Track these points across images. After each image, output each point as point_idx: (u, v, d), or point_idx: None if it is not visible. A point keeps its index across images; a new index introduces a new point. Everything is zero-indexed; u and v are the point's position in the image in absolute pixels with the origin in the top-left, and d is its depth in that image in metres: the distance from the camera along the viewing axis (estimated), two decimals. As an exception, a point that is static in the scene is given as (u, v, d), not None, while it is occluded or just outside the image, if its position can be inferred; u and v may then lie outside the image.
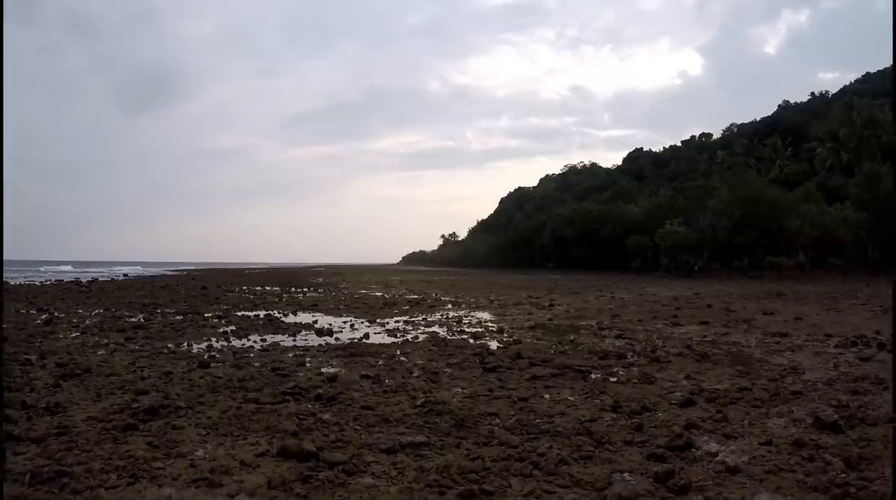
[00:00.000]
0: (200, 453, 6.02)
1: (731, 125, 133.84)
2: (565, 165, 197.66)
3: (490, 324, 18.88)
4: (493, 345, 14.06)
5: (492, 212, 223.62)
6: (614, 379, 9.91)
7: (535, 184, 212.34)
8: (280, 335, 15.92)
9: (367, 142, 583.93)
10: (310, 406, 7.85)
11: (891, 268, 51.10)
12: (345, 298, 32.88)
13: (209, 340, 14.76)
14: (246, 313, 22.53)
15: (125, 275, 77.17)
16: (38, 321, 18.37)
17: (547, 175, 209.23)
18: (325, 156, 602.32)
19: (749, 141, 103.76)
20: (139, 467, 5.55)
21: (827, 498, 5.00)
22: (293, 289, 42.42)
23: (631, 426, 6.89)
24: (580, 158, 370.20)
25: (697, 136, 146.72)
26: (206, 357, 11.78)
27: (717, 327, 17.10)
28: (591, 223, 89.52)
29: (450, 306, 27.34)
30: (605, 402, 8.12)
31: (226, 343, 14.34)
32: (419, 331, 17.03)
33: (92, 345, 13.50)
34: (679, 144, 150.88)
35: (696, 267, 69.26)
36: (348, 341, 14.55)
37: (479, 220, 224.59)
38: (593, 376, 10.17)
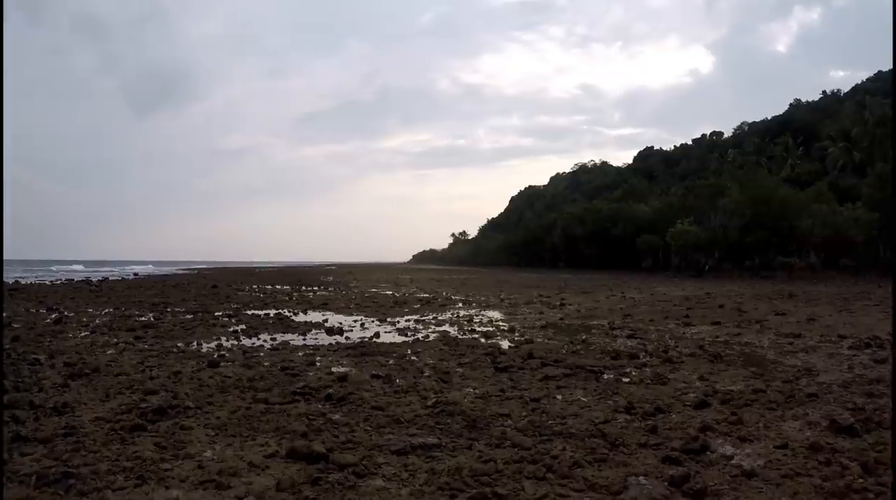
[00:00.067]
0: (209, 454, 5.95)
1: (742, 124, 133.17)
2: (576, 164, 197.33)
3: (501, 323, 18.79)
4: (505, 345, 13.98)
5: (502, 210, 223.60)
6: (627, 380, 9.82)
7: (546, 182, 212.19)
8: (290, 334, 15.88)
9: (377, 141, 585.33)
10: (320, 406, 7.79)
11: (903, 269, 50.78)
12: (355, 296, 32.86)
13: (219, 339, 14.72)
14: (256, 312, 22.51)
15: (135, 274, 77.21)
16: (48, 321, 18.34)
17: (557, 174, 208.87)
18: (336, 155, 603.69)
19: (760, 140, 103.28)
20: (147, 468, 5.48)
21: (845, 504, 4.92)
22: (303, 288, 42.42)
23: (645, 428, 6.80)
24: (590, 156, 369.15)
25: (708, 134, 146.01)
26: (215, 357, 11.73)
27: (730, 327, 16.99)
28: (601, 222, 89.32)
29: (460, 305, 27.28)
30: (618, 403, 8.03)
31: (236, 342, 14.28)
32: (430, 330, 16.97)
33: (101, 344, 13.47)
34: (690, 142, 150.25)
35: (706, 267, 69.01)
36: (359, 341, 14.49)
37: (490, 218, 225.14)
38: (606, 376, 10.08)
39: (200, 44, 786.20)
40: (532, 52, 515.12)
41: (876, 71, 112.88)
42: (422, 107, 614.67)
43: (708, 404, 7.92)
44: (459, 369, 10.65)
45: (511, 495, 5.04)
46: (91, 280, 52.27)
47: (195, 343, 13.90)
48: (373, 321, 19.51)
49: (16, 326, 16.62)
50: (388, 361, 11.54)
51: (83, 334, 15.45)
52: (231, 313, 21.77)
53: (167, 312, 22.08)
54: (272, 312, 22.30)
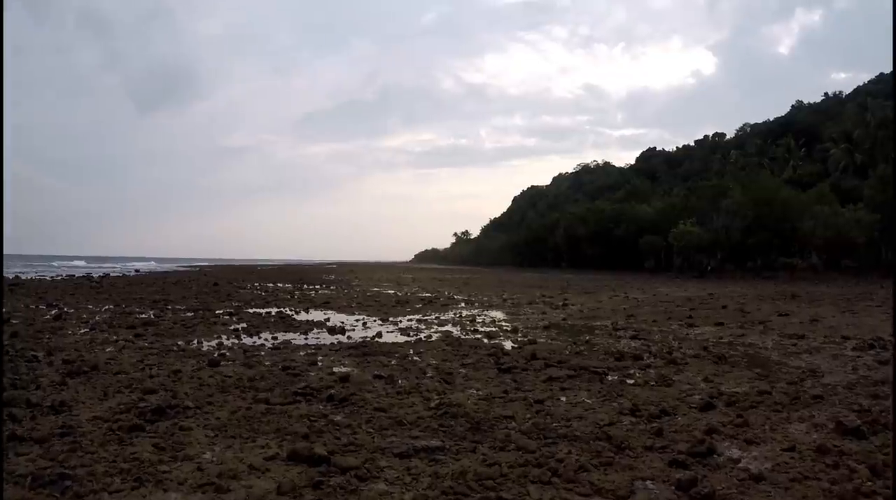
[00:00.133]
0: (208, 455, 5.86)
1: (744, 125, 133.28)
2: (578, 164, 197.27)
3: (504, 323, 18.73)
4: (508, 345, 13.88)
5: (505, 210, 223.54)
6: (631, 381, 9.74)
7: (549, 183, 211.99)
8: (292, 333, 15.81)
9: (380, 140, 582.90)
10: (321, 407, 7.70)
11: (905, 270, 50.79)
12: (357, 295, 32.81)
13: (219, 337, 14.64)
14: (257, 310, 22.45)
15: (137, 271, 77.42)
16: (48, 317, 18.29)
17: (560, 174, 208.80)
18: (339, 153, 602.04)
19: (762, 141, 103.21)
20: (144, 470, 5.40)
21: (854, 508, 4.84)
22: (305, 286, 42.41)
23: (651, 431, 6.72)
24: (593, 156, 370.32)
25: (711, 135, 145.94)
26: (216, 355, 11.64)
27: (733, 328, 16.92)
28: (604, 223, 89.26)
29: (463, 304, 27.24)
30: (623, 405, 7.94)
31: (236, 341, 14.19)
32: (432, 330, 16.89)
33: (100, 342, 13.40)
34: (692, 143, 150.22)
35: (709, 267, 69.00)
36: (361, 340, 14.41)
37: (492, 218, 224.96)
38: (610, 377, 10.02)
39: (205, 42, 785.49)
40: (535, 53, 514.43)
41: (878, 73, 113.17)
42: (424, 106, 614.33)
43: (713, 407, 7.86)
44: (462, 370, 10.57)
45: (516, 499, 4.95)
46: (92, 276, 52.27)
47: (195, 341, 13.82)
48: (375, 321, 19.43)
49: (15, 322, 16.57)
50: (390, 361, 11.46)
51: (83, 330, 15.37)
52: (232, 311, 21.69)
53: (168, 309, 22.02)
54: (273, 310, 22.22)
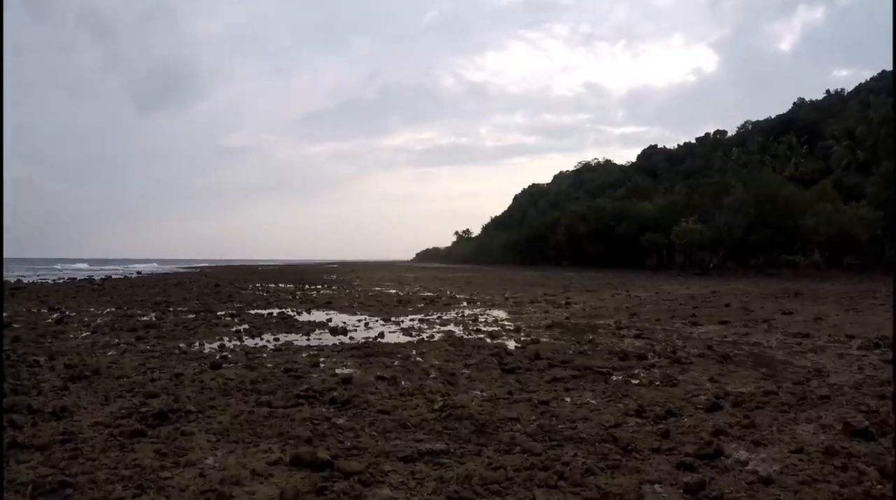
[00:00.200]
0: (210, 461, 5.81)
1: (745, 122, 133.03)
2: (579, 162, 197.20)
3: (506, 323, 18.67)
4: (511, 345, 13.82)
5: (506, 209, 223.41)
6: (636, 381, 9.68)
7: (549, 181, 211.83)
8: (294, 334, 15.75)
9: (381, 139, 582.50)
10: (324, 410, 7.66)
11: (908, 267, 50.68)
12: (359, 295, 32.74)
13: (221, 339, 14.58)
14: (259, 311, 22.39)
15: (138, 273, 77.31)
16: (49, 320, 18.24)
17: (561, 172, 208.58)
18: (339, 153, 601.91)
19: (764, 138, 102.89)
20: (146, 477, 5.35)
21: (864, 511, 4.79)
22: (307, 286, 42.37)
23: (657, 433, 6.66)
24: (594, 154, 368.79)
25: (712, 133, 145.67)
26: (217, 358, 11.59)
27: (737, 326, 16.86)
28: (605, 220, 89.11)
29: (465, 304, 27.16)
30: (628, 406, 7.89)
31: (238, 343, 14.15)
32: (435, 330, 16.83)
33: (102, 345, 13.34)
34: (693, 141, 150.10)
35: (711, 265, 68.94)
36: (363, 341, 14.36)
37: (493, 216, 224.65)
38: (614, 377, 9.96)
39: (205, 42, 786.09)
40: (536, 51, 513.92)
41: (880, 70, 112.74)
42: (425, 105, 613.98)
43: (720, 407, 7.80)
44: (466, 371, 10.51)
45: (522, 504, 4.91)
46: (94, 279, 52.20)
47: (197, 344, 13.75)
48: (377, 321, 19.38)
49: (16, 326, 16.53)
50: (392, 362, 11.41)
51: (84, 334, 15.33)
52: (234, 312, 21.64)
53: (169, 311, 21.98)
54: (275, 311, 22.17)
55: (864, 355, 11.96)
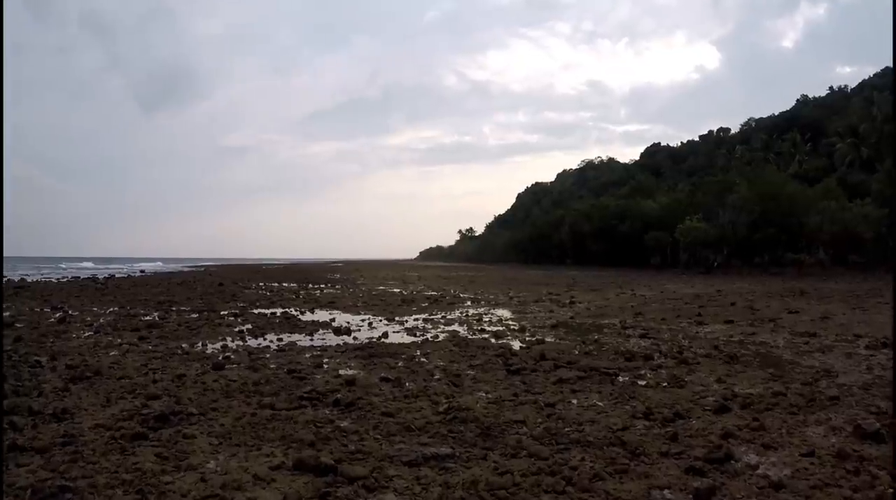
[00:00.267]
0: (212, 465, 5.73)
1: (749, 120, 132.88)
2: (582, 160, 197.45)
3: (511, 322, 18.57)
4: (516, 345, 13.74)
5: (509, 207, 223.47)
6: (643, 382, 9.59)
7: (553, 179, 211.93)
8: (297, 334, 15.68)
9: (383, 138, 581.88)
10: (327, 412, 7.58)
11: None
12: (362, 295, 32.70)
13: (224, 339, 14.52)
14: (262, 310, 22.34)
15: (142, 271, 77.35)
16: (52, 320, 18.18)
17: (564, 170, 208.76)
18: (343, 152, 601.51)
19: (768, 136, 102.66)
20: (147, 481, 5.27)
21: (878, 517, 4.71)
22: (310, 286, 42.28)
23: (665, 436, 6.57)
24: (597, 152, 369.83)
25: (715, 130, 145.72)
26: (220, 358, 11.52)
27: (743, 326, 16.77)
28: (609, 219, 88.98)
29: (469, 303, 27.09)
30: (636, 408, 7.79)
31: (241, 343, 14.07)
32: (439, 330, 16.76)
33: (104, 345, 13.28)
34: (697, 138, 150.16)
35: (715, 263, 68.87)
36: (367, 341, 14.30)
37: (497, 215, 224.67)
38: (621, 378, 9.87)
39: (206, 42, 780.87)
40: (538, 49, 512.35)
41: (883, 67, 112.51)
42: (427, 104, 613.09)
43: (728, 409, 7.71)
44: (471, 372, 10.42)
45: (530, 510, 4.82)
46: (97, 278, 52.20)
47: (200, 344, 13.69)
48: (381, 320, 19.31)
49: (19, 325, 16.50)
50: (397, 363, 11.33)
51: (87, 334, 15.26)
52: (237, 311, 21.59)
53: (172, 311, 21.93)
54: (279, 310, 22.11)
55: (871, 355, 11.85)
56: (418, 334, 15.94)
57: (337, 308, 23.98)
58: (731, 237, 65.66)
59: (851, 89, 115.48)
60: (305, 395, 8.33)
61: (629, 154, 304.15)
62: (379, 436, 6.59)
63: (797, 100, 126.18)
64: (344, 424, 7.04)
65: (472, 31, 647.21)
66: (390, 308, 23.75)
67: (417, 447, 6.14)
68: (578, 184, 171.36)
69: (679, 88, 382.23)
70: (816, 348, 12.81)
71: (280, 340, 14.61)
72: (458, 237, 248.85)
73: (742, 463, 5.80)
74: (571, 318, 19.64)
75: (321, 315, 20.95)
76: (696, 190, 79.17)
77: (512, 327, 17.34)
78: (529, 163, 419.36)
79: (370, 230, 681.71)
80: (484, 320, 19.45)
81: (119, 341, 13.94)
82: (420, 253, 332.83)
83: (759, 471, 5.61)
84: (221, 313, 21.13)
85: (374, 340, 14.56)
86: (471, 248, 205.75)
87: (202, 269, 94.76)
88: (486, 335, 15.48)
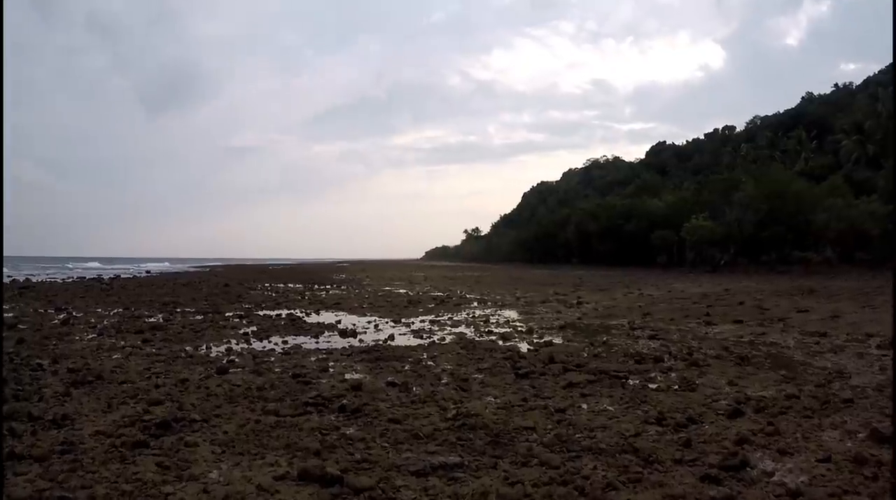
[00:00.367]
0: (214, 475, 5.59)
1: (754, 118, 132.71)
2: (588, 159, 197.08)
3: (518, 324, 18.46)
4: (524, 347, 13.57)
5: (514, 207, 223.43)
6: (654, 386, 9.45)
7: (558, 178, 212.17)
8: (302, 337, 15.56)
9: (389, 138, 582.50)
10: (333, 419, 7.43)
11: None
12: (368, 295, 32.61)
13: (229, 342, 14.41)
14: (268, 312, 22.23)
15: (148, 272, 77.36)
16: (55, 322, 18.11)
17: (570, 169, 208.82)
18: (348, 152, 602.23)
19: (773, 134, 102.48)
20: (147, 492, 5.15)
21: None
22: (316, 286, 42.22)
23: (679, 442, 6.42)
24: (602, 151, 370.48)
25: (720, 129, 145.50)
26: (224, 362, 11.37)
27: (753, 326, 16.64)
28: (615, 218, 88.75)
29: (475, 304, 27.00)
30: (648, 413, 7.64)
31: (246, 346, 13.95)
32: (445, 332, 16.62)
33: (107, 348, 13.19)
34: (702, 137, 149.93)
35: (722, 262, 68.61)
36: (373, 344, 14.16)
37: (502, 214, 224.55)
38: (631, 382, 9.72)
39: (212, 43, 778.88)
40: (543, 48, 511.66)
41: (887, 63, 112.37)
42: (433, 104, 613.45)
43: (742, 413, 7.56)
44: (478, 376, 10.28)
45: (542, 523, 4.68)
46: (103, 278, 52.15)
47: (204, 347, 13.57)
48: (387, 322, 19.19)
49: (22, 327, 16.46)
50: (403, 366, 11.20)
51: (90, 336, 15.16)
52: (242, 313, 21.49)
53: (177, 312, 21.86)
54: (284, 312, 22.00)
55: (884, 355, 11.71)
56: (425, 336, 15.81)
57: (343, 309, 23.87)
58: (738, 235, 65.43)
59: (856, 86, 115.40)
60: (311, 400, 8.19)
61: (634, 153, 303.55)
62: (386, 444, 6.45)
63: (802, 97, 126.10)
64: (350, 431, 6.90)
65: (476, 31, 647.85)
66: (396, 309, 23.64)
67: (425, 456, 6.00)
68: (584, 183, 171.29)
69: (683, 87, 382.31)
70: (828, 349, 12.69)
71: (285, 342, 14.47)
72: (463, 237, 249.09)
73: (758, 470, 5.67)
74: (579, 319, 19.51)
75: (327, 317, 20.81)
76: (702, 188, 78.93)
77: (519, 328, 17.22)
78: (535, 162, 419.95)
79: (376, 230, 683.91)
80: (491, 321, 19.32)
81: (122, 343, 13.86)
82: (426, 253, 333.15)
83: (776, 478, 5.48)
84: (226, 314, 21.02)
85: (381, 342, 14.43)
86: (477, 248, 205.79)
87: (208, 269, 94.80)
88: (494, 337, 15.34)
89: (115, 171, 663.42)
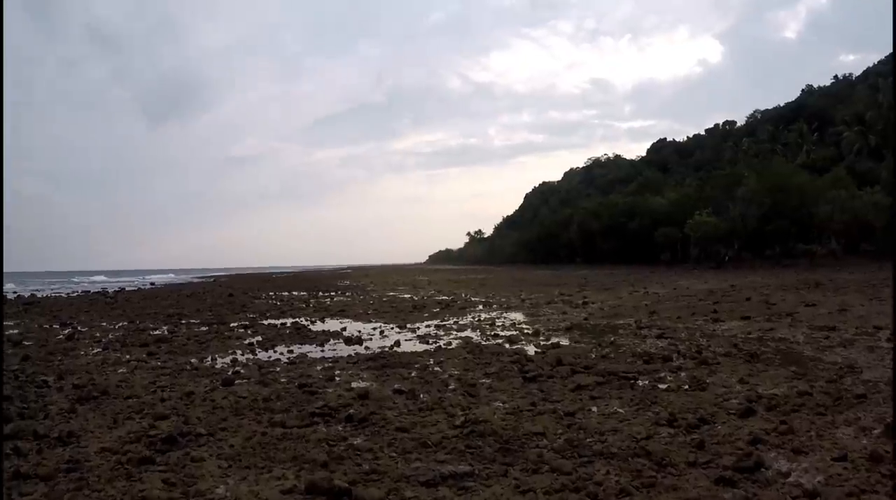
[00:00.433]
0: (221, 490, 5.51)
1: (754, 112, 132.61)
2: (589, 158, 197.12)
3: (524, 326, 18.35)
4: (531, 350, 13.49)
5: (517, 208, 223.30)
6: (664, 386, 9.35)
7: (560, 178, 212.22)
8: (308, 345, 15.48)
9: (390, 142, 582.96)
10: (340, 429, 7.35)
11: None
12: (373, 301, 32.53)
13: (234, 353, 14.32)
14: (272, 321, 22.15)
15: (152, 284, 77.33)
16: (60, 337, 18.07)
17: (571, 169, 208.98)
18: (350, 158, 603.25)
19: (774, 127, 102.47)
20: (153, 510, 5.04)
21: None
22: (320, 294, 42.08)
23: (691, 444, 6.33)
24: (602, 150, 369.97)
25: (721, 124, 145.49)
26: (230, 373, 11.30)
27: (760, 322, 16.52)
28: (617, 216, 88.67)
29: (480, 307, 26.88)
30: (659, 415, 7.53)
31: (251, 356, 13.89)
32: (451, 336, 16.52)
33: (112, 362, 13.13)
34: (703, 132, 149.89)
35: (726, 257, 68.49)
36: (378, 350, 14.06)
37: (505, 216, 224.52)
38: (640, 383, 9.62)
39: (212, 52, 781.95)
40: (541, 49, 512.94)
41: (887, 53, 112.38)
42: (433, 107, 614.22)
43: (754, 412, 7.46)
44: (486, 381, 10.18)
45: (556, 532, 4.59)
46: (107, 292, 52.09)
47: (209, 358, 13.49)
48: (392, 328, 19.09)
49: (27, 343, 16.44)
50: (410, 373, 11.09)
51: (95, 350, 15.09)
52: (247, 323, 21.39)
53: (182, 324, 21.77)
54: (289, 321, 21.90)
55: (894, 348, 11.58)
56: (431, 341, 15.71)
57: (348, 316, 23.77)
58: (742, 230, 65.29)
59: (856, 77, 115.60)
60: (317, 411, 8.11)
61: (635, 150, 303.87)
62: (394, 454, 6.37)
63: (802, 90, 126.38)
64: (357, 441, 6.82)
65: (474, 32, 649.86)
66: (401, 315, 23.54)
67: (434, 465, 5.91)
68: (586, 182, 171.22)
69: (683, 83, 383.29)
70: (837, 343, 12.56)
71: (290, 352, 14.40)
72: (466, 240, 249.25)
73: (773, 471, 5.57)
74: (585, 319, 19.42)
75: (332, 324, 20.75)
76: (705, 184, 78.80)
77: (525, 330, 17.11)
78: (536, 163, 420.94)
79: (378, 235, 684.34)
80: (497, 324, 19.22)
81: (127, 357, 13.80)
82: (429, 257, 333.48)
83: (791, 479, 5.38)
84: (231, 325, 20.96)
85: (387, 349, 14.33)
86: (480, 250, 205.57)
87: (212, 279, 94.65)
88: (500, 341, 15.24)
89: (116, 182, 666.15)
